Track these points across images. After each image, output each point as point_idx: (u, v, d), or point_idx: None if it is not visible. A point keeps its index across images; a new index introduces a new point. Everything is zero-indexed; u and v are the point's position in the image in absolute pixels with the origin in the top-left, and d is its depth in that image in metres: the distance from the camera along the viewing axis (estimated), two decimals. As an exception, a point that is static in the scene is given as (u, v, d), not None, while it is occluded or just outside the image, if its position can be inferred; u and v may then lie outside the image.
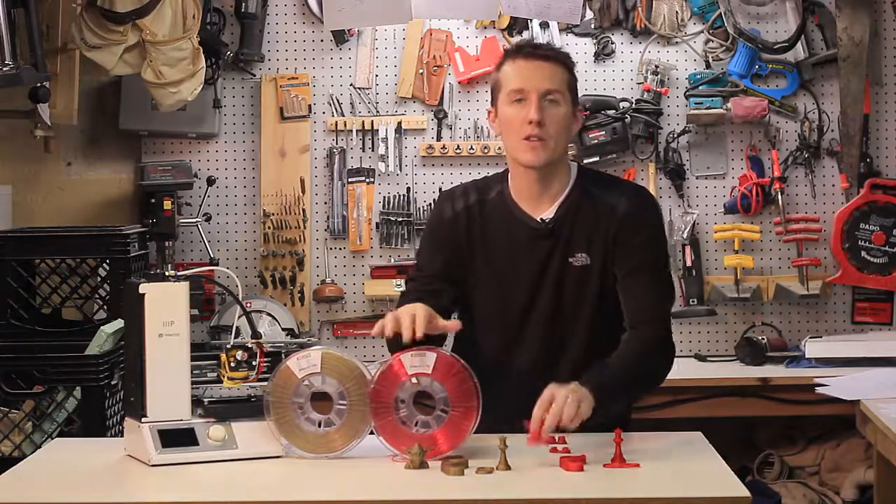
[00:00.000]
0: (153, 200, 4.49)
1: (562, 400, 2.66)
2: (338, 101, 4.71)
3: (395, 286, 4.59)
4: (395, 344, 2.74)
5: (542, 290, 2.94)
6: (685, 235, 4.65)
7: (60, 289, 4.03)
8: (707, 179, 4.71)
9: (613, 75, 4.70)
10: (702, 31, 4.68)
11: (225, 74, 4.67)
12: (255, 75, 4.71)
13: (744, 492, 2.41)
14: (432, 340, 2.76)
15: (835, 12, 4.59)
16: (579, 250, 2.93)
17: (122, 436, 2.86)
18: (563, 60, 2.95)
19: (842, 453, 4.44)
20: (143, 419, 2.68)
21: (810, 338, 4.50)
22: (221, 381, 2.82)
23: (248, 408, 2.74)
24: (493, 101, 2.97)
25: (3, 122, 4.16)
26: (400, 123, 4.68)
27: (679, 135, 4.67)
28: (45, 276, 4.03)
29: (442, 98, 4.68)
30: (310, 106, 4.70)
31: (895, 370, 4.16)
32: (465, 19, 4.67)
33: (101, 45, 4.08)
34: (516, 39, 4.65)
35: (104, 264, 4.01)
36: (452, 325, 2.82)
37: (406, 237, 4.68)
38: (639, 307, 2.93)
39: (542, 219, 2.94)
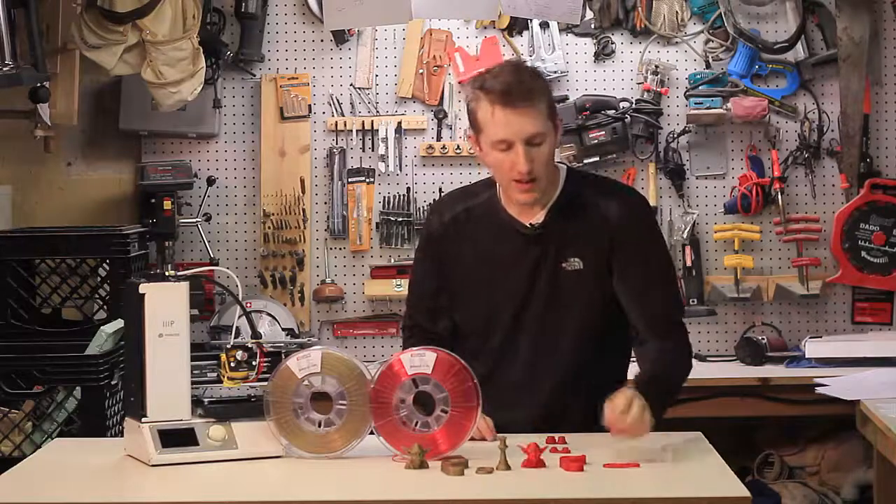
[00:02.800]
0: (153, 200, 4.50)
1: (638, 413, 2.69)
2: (338, 101, 4.71)
3: (395, 286, 4.59)
4: None
5: (534, 294, 2.93)
6: (685, 235, 4.65)
7: (60, 289, 4.03)
8: (707, 179, 4.71)
9: (613, 75, 4.70)
10: (702, 31, 4.68)
11: (225, 74, 4.67)
12: (255, 75, 4.71)
13: (744, 492, 2.41)
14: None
15: (835, 12, 4.59)
16: (571, 255, 2.92)
17: (122, 436, 2.86)
18: (537, 93, 2.86)
19: (842, 453, 4.44)
20: (143, 419, 2.68)
21: (810, 338, 4.51)
22: (221, 381, 2.82)
23: (248, 408, 2.74)
24: (475, 131, 2.89)
25: (3, 122, 4.16)
26: (400, 123, 4.68)
27: (679, 135, 4.67)
28: (45, 276, 4.03)
29: (442, 98, 4.68)
30: (310, 106, 4.70)
31: (895, 370, 4.16)
32: (465, 19, 4.67)
33: (101, 45, 4.09)
34: (516, 40, 4.65)
35: (104, 264, 4.01)
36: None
37: (406, 237, 4.67)
38: (660, 317, 2.96)
39: (531, 223, 2.92)
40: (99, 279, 4.03)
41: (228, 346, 2.81)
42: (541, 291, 2.93)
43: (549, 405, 2.94)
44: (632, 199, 3.01)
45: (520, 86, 2.82)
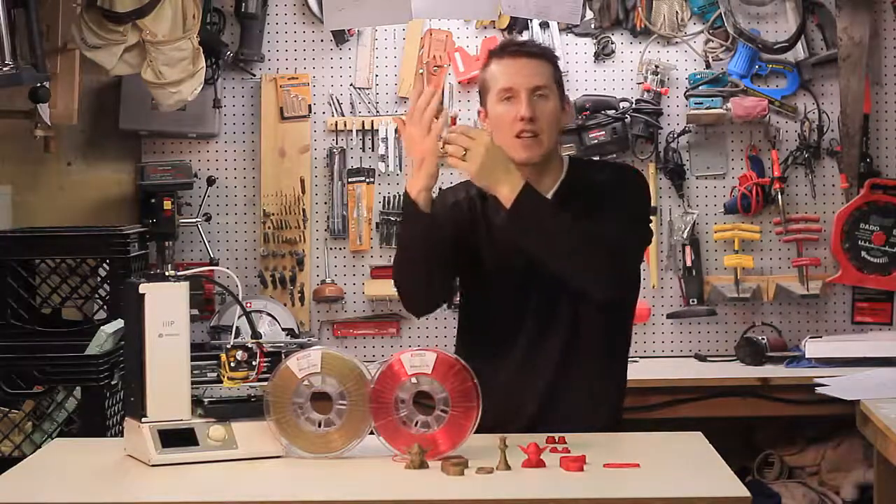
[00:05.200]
0: (153, 200, 4.50)
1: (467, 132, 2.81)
2: (338, 101, 4.71)
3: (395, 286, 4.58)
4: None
5: (536, 278, 2.94)
6: (685, 235, 4.65)
7: (60, 289, 4.02)
8: (707, 179, 4.71)
9: (613, 75, 4.70)
10: (702, 31, 4.68)
11: (225, 74, 4.67)
12: (255, 75, 4.71)
13: (744, 492, 2.41)
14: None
15: (835, 12, 4.59)
16: None
17: (122, 436, 2.86)
18: (547, 56, 3.03)
19: (842, 453, 4.44)
20: (143, 419, 2.68)
21: (810, 338, 4.51)
22: (221, 381, 2.82)
23: (248, 408, 2.74)
24: (483, 102, 3.02)
25: (3, 122, 4.16)
26: (400, 123, 4.68)
27: (679, 135, 4.67)
28: (45, 276, 4.02)
29: (442, 98, 4.68)
30: (310, 106, 4.70)
31: (895, 370, 4.16)
32: (465, 19, 4.68)
33: (101, 45, 4.08)
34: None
35: (104, 264, 4.00)
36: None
37: (406, 237, 4.67)
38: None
39: None
40: (99, 279, 4.02)
41: (228, 346, 2.80)
42: (541, 275, 2.93)
43: (553, 382, 2.96)
44: (625, 168, 3.18)
45: (529, 44, 3.07)
